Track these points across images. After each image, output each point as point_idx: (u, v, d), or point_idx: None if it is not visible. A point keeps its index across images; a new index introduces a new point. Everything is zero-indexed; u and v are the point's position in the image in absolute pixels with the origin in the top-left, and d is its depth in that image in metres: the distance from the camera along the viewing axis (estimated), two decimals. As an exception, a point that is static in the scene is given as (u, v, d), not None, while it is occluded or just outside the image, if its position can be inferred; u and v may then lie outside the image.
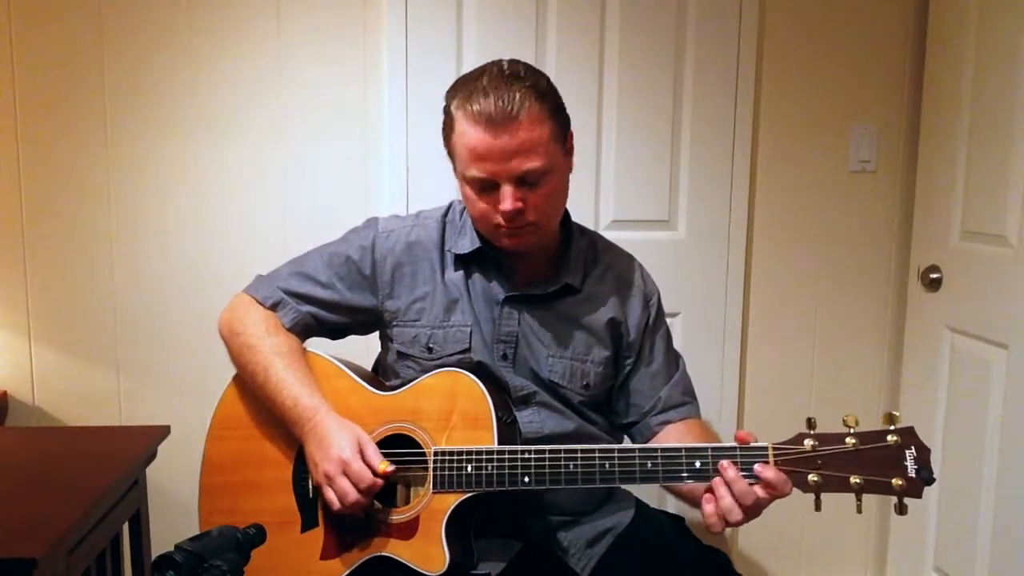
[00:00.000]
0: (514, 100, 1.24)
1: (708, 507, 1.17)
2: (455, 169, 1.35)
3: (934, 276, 2.10)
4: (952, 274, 2.06)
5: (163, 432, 1.64)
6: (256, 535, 1.04)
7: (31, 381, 2.12)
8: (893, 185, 2.25)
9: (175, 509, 1.89)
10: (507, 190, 1.27)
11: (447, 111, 1.32)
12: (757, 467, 1.15)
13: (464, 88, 1.29)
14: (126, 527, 1.57)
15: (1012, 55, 1.82)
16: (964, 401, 2.01)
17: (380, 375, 1.50)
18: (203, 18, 2.06)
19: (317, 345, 1.45)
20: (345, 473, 1.23)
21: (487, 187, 1.28)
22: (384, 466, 1.24)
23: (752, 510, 1.15)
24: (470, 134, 1.26)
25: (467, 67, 2.10)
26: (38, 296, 2.10)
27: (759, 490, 1.14)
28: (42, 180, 2.07)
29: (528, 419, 1.36)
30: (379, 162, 2.14)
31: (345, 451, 1.23)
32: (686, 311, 2.23)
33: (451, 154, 1.34)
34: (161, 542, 1.21)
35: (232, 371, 1.43)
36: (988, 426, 1.91)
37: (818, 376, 2.31)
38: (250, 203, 2.12)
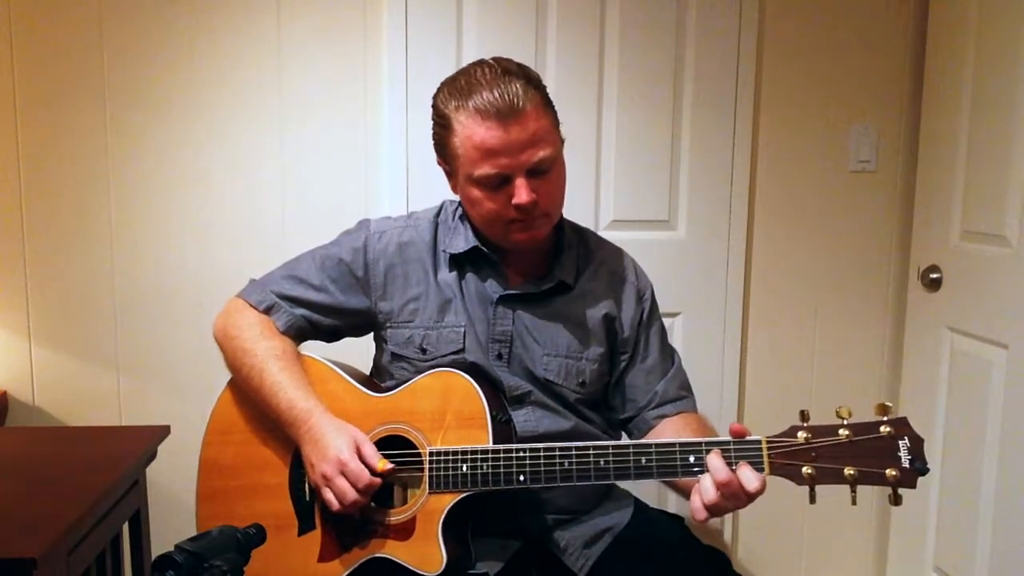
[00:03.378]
0: (517, 92, 1.25)
1: (695, 496, 1.16)
2: (454, 173, 1.34)
3: (934, 276, 2.10)
4: (952, 274, 2.06)
5: (163, 432, 1.63)
6: (256, 535, 1.04)
7: (31, 381, 2.12)
8: (893, 185, 2.25)
9: (175, 509, 1.89)
10: (521, 183, 1.27)
11: (441, 115, 1.31)
12: (740, 468, 1.13)
13: (456, 89, 1.29)
14: (126, 527, 1.56)
15: (1012, 55, 1.82)
16: (964, 401, 2.01)
17: (376, 377, 1.50)
18: (203, 18, 2.06)
19: (312, 348, 1.44)
20: (343, 473, 1.23)
21: (497, 184, 1.28)
22: (383, 465, 1.24)
23: (735, 502, 1.14)
24: (478, 131, 1.25)
25: (467, 67, 2.13)
26: (38, 296, 2.10)
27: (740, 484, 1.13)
28: (42, 180, 2.07)
29: (524, 418, 1.36)
30: (379, 162, 2.14)
31: (343, 452, 1.23)
32: (686, 311, 2.23)
33: (449, 158, 1.33)
34: (161, 542, 1.21)
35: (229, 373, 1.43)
36: (988, 426, 1.91)
37: (818, 376, 2.31)
38: (250, 203, 2.12)
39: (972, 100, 1.97)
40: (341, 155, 2.13)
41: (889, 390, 2.31)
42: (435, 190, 2.11)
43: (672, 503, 2.10)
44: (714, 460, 1.14)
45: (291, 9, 2.08)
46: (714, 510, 1.14)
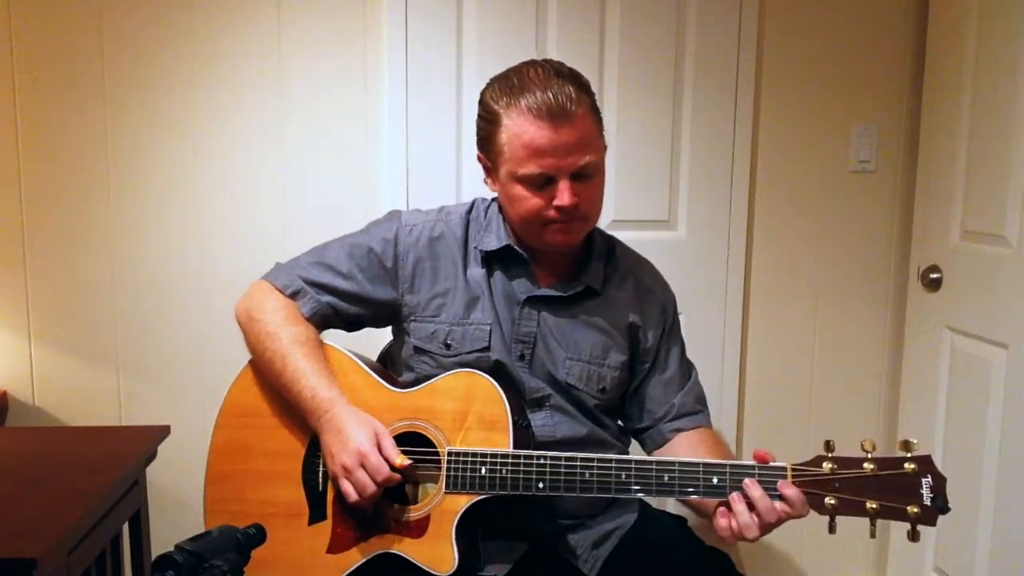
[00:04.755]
0: (570, 95, 1.25)
1: (722, 521, 1.17)
2: (494, 169, 1.34)
3: (934, 276, 2.10)
4: (952, 274, 2.06)
5: (163, 432, 1.63)
6: (256, 535, 1.04)
7: (31, 381, 2.12)
8: (893, 185, 2.25)
9: (175, 509, 1.89)
10: (565, 184, 1.27)
11: (490, 111, 1.31)
12: (781, 484, 1.15)
13: (508, 86, 1.29)
14: (126, 527, 1.56)
15: (1012, 55, 1.82)
16: (964, 401, 2.01)
17: (388, 367, 1.49)
18: (203, 18, 2.06)
19: (330, 337, 1.44)
20: (363, 465, 1.23)
21: (541, 184, 1.28)
22: (401, 460, 1.23)
23: (770, 528, 1.16)
24: (529, 130, 1.25)
25: (467, 67, 2.13)
26: (38, 296, 2.10)
27: (778, 507, 1.15)
28: (42, 179, 2.07)
29: (541, 422, 1.36)
30: (379, 161, 2.14)
31: (363, 443, 1.23)
32: (686, 311, 2.20)
33: (493, 153, 1.32)
34: (161, 542, 1.21)
35: (236, 366, 1.43)
36: (988, 426, 1.91)
37: (818, 376, 2.31)
38: (250, 203, 2.12)
39: (972, 100, 1.97)
40: (341, 155, 2.13)
41: (889, 390, 2.31)
42: (435, 190, 2.12)
43: (672, 504, 2.10)
44: (747, 480, 1.16)
45: (291, 9, 2.07)
46: (745, 531, 1.16)
